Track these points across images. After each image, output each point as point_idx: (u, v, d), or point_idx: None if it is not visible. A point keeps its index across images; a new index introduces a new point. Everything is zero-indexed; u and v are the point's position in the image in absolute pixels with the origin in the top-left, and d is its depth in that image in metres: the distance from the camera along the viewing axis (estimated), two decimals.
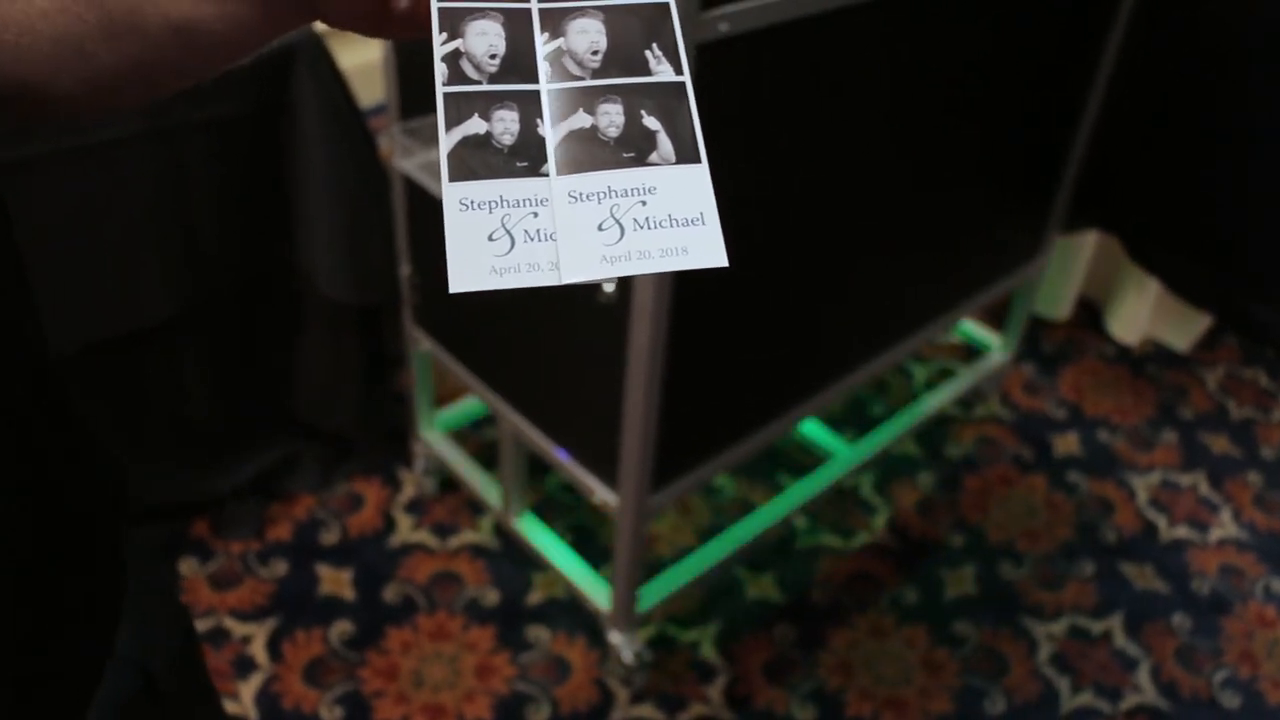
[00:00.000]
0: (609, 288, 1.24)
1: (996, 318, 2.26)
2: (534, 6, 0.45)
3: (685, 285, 1.21)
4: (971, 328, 2.23)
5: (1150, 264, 2.14)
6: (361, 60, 2.75)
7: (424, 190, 1.44)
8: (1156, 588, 1.84)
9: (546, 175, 0.42)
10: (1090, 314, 2.47)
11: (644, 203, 0.41)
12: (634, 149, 0.43)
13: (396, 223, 1.59)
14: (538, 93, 0.44)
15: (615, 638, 1.57)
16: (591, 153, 0.42)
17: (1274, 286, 1.99)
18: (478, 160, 0.42)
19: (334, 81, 1.53)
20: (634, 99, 0.43)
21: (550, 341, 1.41)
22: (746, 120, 1.19)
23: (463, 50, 0.44)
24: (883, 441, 1.91)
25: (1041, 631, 1.74)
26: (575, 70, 0.44)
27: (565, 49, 0.44)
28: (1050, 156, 1.83)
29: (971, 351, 2.27)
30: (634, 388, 1.27)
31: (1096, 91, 1.78)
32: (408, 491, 1.90)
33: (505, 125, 0.43)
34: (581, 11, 0.45)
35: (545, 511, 1.83)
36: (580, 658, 1.64)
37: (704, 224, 0.42)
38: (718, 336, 1.36)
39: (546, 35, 0.44)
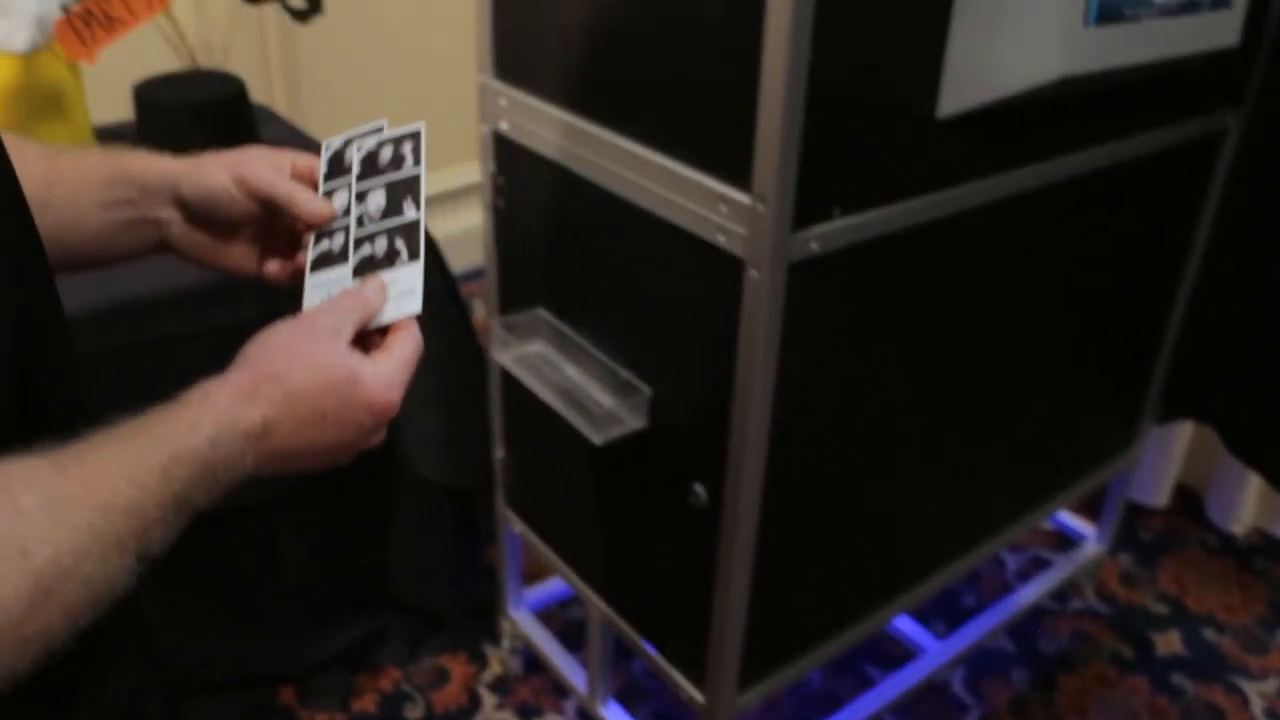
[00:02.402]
0: (699, 490, 1.26)
1: (1091, 505, 2.22)
2: (352, 185, 0.83)
3: (778, 485, 1.23)
4: (1065, 516, 2.18)
5: (1249, 457, 2.09)
6: (464, 226, 2.89)
7: (520, 382, 1.49)
8: None
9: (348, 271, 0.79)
10: (1190, 501, 2.41)
11: (392, 283, 0.76)
12: (391, 259, 0.77)
13: (492, 408, 1.65)
14: (348, 230, 0.81)
15: None
16: (371, 261, 0.78)
17: None
18: (323, 262, 0.80)
19: (433, 266, 1.61)
20: (394, 232, 0.79)
21: (639, 536, 1.43)
22: (837, 328, 1.22)
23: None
24: (974, 636, 1.86)
25: None
26: (368, 219, 0.80)
27: (365, 209, 0.81)
28: (1141, 346, 1.83)
29: (1065, 540, 2.22)
30: (723, 590, 1.28)
31: (1188, 278, 1.78)
32: (493, 669, 1.90)
33: (338, 245, 0.80)
34: (377, 186, 0.81)
35: (631, 697, 1.81)
36: None
37: (414, 294, 0.75)
38: (809, 535, 1.36)
39: (358, 202, 0.82)
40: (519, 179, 1.44)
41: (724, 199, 1.10)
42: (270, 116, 2.00)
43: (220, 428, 0.64)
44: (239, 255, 0.85)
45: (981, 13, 1.11)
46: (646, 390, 1.32)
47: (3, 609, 0.49)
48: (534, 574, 1.95)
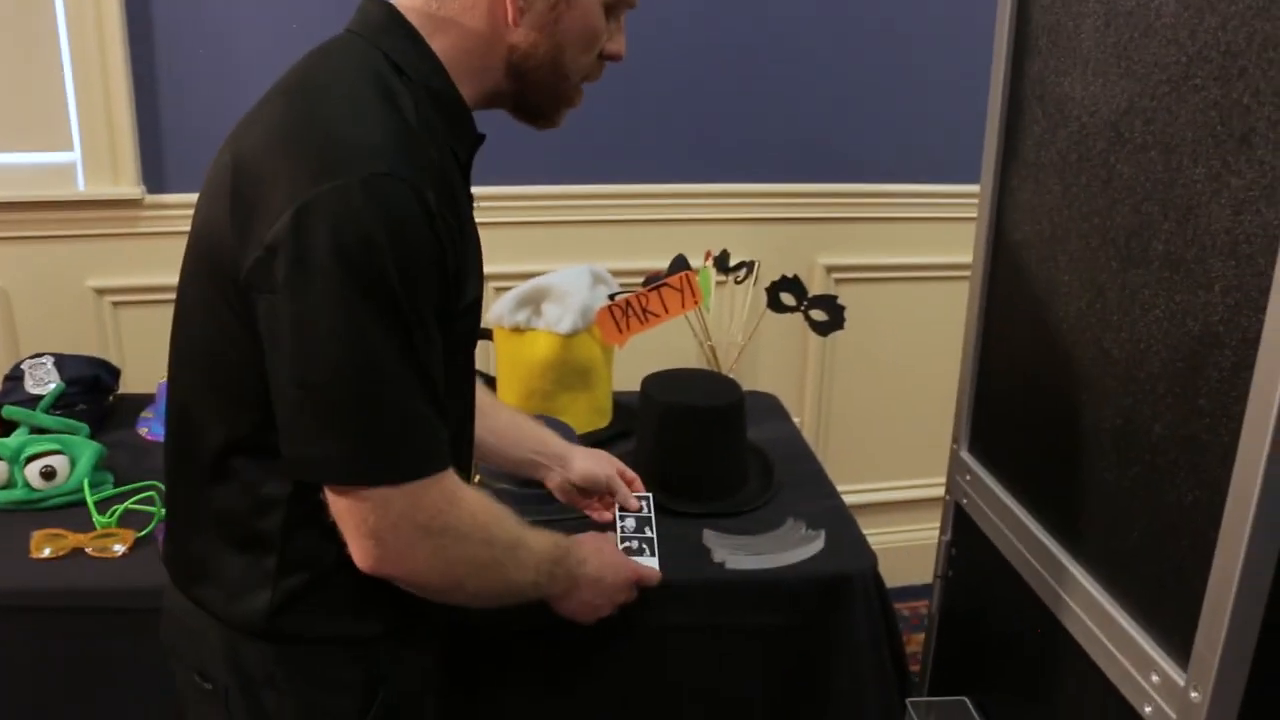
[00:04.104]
0: None
1: None
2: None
3: None
4: None
5: None
6: (917, 539, 2.76)
7: None
8: None
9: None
10: None
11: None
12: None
13: None
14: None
15: None
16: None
17: None
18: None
19: (881, 614, 1.55)
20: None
21: None
22: None
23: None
24: None
25: None
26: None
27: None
28: None
29: None
30: None
31: None
32: None
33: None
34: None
35: None
36: None
37: (652, 561, 1.42)
38: None
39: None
40: (969, 555, 1.37)
41: (1155, 668, 0.96)
42: (779, 414, 2.10)
43: (572, 556, 1.18)
44: (581, 503, 1.52)
45: None
46: None
47: (472, 561, 1.01)
48: None
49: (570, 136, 2.36)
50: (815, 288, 2.45)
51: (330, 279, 0.85)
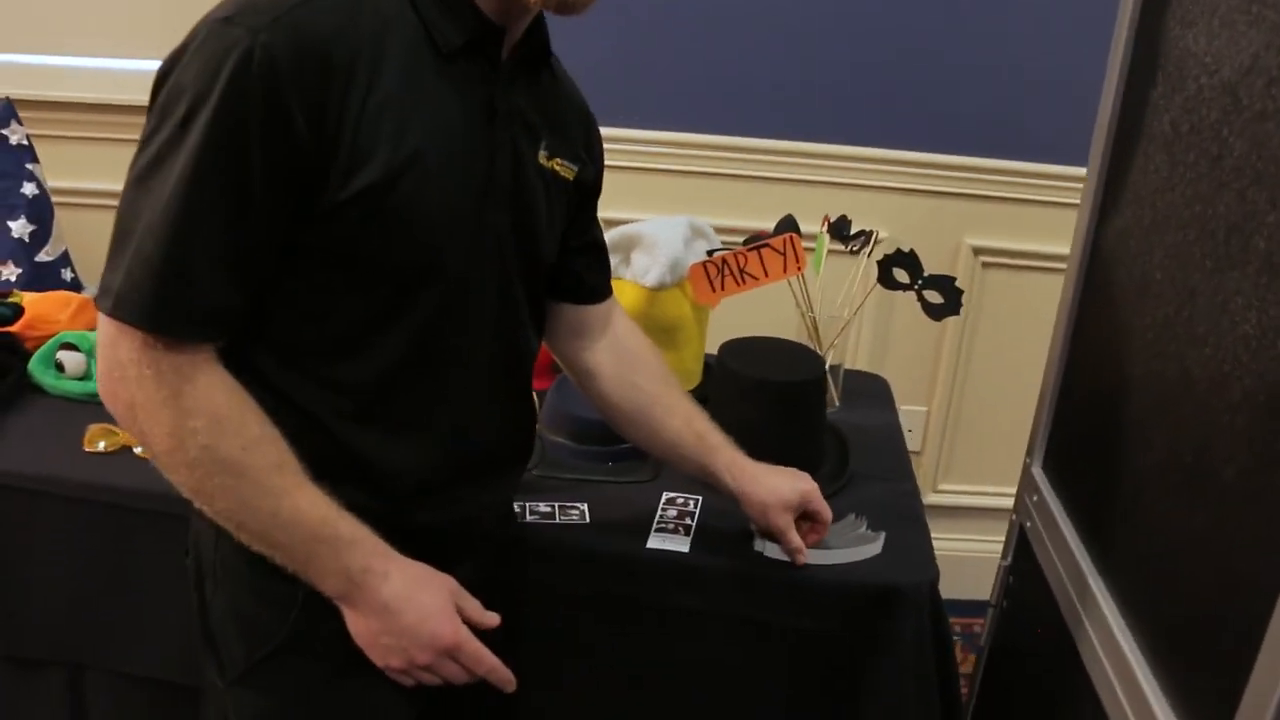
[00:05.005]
0: None
1: None
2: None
3: None
4: None
5: None
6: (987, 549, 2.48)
7: None
8: None
9: None
10: None
11: None
12: None
13: None
14: None
15: None
16: None
17: None
18: None
19: (932, 636, 1.38)
20: None
21: None
22: None
23: None
24: None
25: None
26: None
27: None
28: None
29: None
30: None
31: None
32: None
33: None
34: None
35: None
36: None
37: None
38: None
39: None
40: (1025, 586, 1.18)
41: None
42: (883, 399, 1.91)
43: (362, 556, 0.96)
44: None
45: None
46: None
47: (179, 450, 0.90)
48: None
49: (695, 83, 2.25)
50: (960, 270, 2.22)
51: (152, 115, 0.89)
